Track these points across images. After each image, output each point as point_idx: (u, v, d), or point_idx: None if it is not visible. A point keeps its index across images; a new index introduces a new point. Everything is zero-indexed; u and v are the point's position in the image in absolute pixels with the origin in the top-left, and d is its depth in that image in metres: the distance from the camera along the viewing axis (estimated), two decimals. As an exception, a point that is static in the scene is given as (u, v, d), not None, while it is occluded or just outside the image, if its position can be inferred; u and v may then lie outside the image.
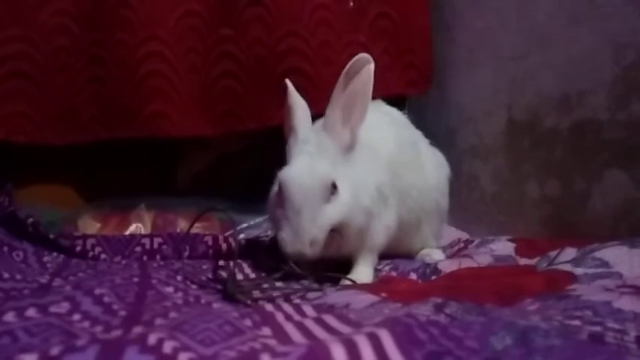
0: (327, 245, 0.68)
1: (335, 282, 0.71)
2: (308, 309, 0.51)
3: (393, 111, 0.93)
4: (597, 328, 0.42)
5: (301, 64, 1.13)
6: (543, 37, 1.03)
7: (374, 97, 0.74)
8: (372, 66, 0.72)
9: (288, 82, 0.79)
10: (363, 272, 0.75)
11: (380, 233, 0.77)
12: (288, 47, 1.13)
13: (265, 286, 0.66)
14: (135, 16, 1.08)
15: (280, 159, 0.76)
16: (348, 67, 0.72)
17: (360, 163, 0.74)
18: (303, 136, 0.74)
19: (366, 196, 0.73)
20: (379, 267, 0.81)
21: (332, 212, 0.68)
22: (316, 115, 0.78)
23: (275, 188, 0.73)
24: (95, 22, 1.10)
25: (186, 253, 0.87)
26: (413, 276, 0.76)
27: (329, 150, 0.72)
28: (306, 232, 0.66)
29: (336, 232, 0.69)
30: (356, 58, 0.72)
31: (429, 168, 0.91)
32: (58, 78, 1.10)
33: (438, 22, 1.31)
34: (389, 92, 1.17)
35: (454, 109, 1.30)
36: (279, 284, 0.67)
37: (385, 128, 0.85)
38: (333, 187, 0.69)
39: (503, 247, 0.88)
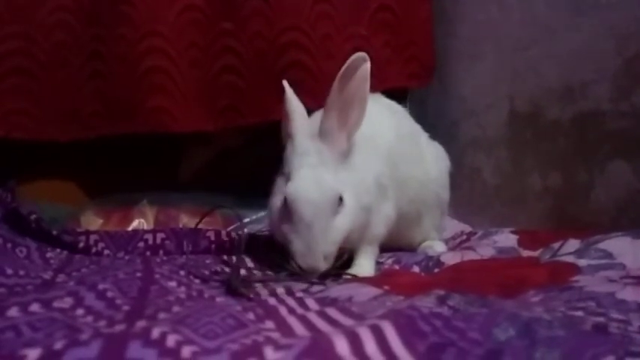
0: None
1: (336, 276, 0.71)
2: (311, 302, 0.51)
3: (393, 104, 0.93)
4: (601, 319, 0.42)
5: (302, 58, 1.12)
6: (545, 27, 1.02)
7: (374, 91, 0.73)
8: (367, 65, 0.69)
9: (285, 83, 0.77)
10: (364, 266, 0.75)
11: (380, 224, 0.77)
12: (289, 41, 1.12)
13: (267, 279, 0.66)
14: (135, 11, 1.08)
15: (281, 154, 0.75)
16: (343, 69, 0.69)
17: (359, 157, 0.73)
18: (301, 147, 0.72)
19: (366, 193, 0.73)
20: (381, 260, 0.81)
21: (341, 224, 0.69)
22: (318, 108, 0.77)
23: (277, 202, 0.72)
24: (95, 17, 1.10)
25: (189, 248, 0.87)
26: (415, 269, 0.76)
27: (328, 159, 0.70)
28: (319, 247, 0.67)
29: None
30: (351, 58, 0.69)
31: (429, 160, 0.91)
32: (58, 74, 1.10)
33: (440, 14, 1.30)
34: (391, 85, 1.17)
35: (456, 102, 1.30)
36: (281, 278, 0.67)
37: (384, 119, 0.85)
38: (340, 200, 0.69)
39: (506, 239, 0.88)
